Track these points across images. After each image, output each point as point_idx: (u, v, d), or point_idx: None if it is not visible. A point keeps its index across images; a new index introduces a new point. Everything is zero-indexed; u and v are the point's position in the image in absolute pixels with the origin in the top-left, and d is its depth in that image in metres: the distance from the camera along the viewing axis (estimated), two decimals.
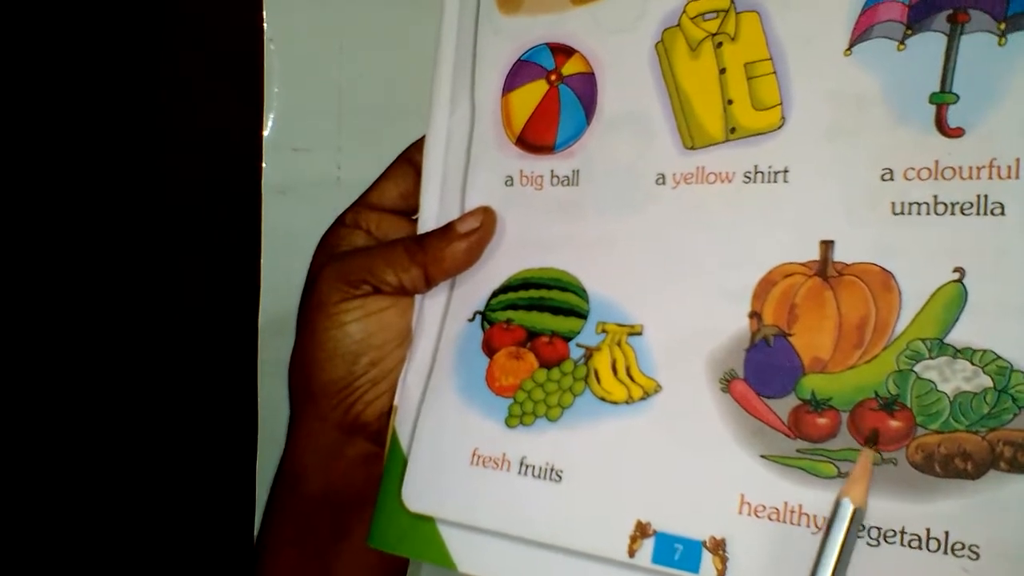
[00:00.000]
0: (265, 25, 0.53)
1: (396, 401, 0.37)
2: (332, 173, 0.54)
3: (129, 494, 0.60)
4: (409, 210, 0.40)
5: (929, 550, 0.26)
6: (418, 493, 0.35)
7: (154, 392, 0.59)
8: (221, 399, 0.59)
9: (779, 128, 0.31)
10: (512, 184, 0.37)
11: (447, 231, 0.36)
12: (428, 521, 0.34)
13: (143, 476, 0.60)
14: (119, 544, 0.60)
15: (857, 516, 0.26)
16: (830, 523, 0.27)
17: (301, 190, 0.55)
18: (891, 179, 0.29)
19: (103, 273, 0.58)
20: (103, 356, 0.59)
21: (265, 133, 0.54)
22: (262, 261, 0.55)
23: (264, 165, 0.55)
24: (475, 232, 0.36)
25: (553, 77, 0.37)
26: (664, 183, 0.33)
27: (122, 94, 0.56)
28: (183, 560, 0.61)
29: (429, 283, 0.37)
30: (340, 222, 0.39)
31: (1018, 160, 0.27)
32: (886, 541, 0.27)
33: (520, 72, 0.37)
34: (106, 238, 0.57)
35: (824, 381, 0.29)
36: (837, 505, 0.27)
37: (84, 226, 0.57)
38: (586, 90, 0.36)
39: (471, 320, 0.37)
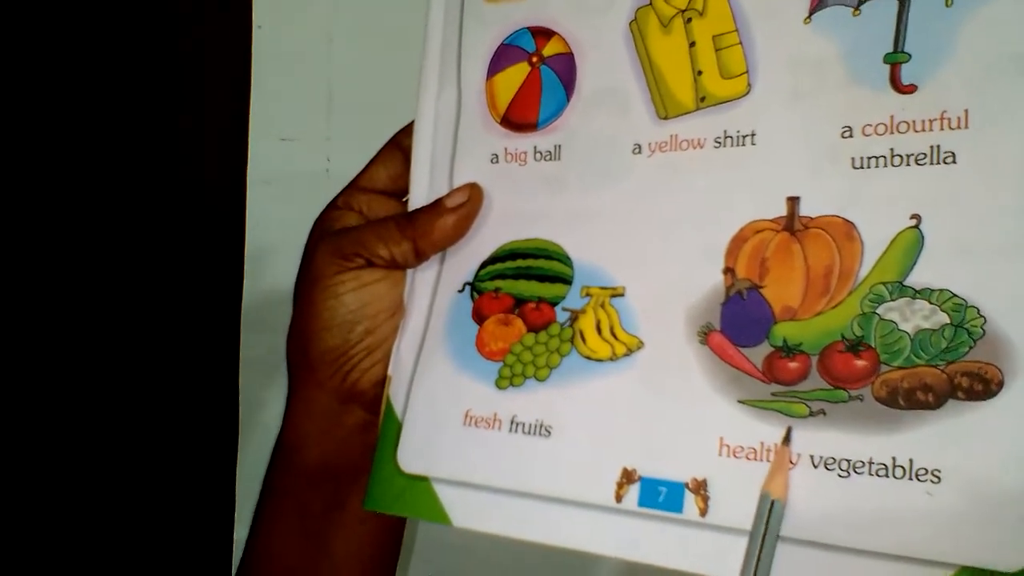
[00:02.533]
0: (254, 11, 0.54)
1: (390, 371, 0.39)
2: (321, 165, 0.55)
3: (109, 489, 0.60)
4: (398, 192, 0.42)
5: (895, 477, 0.28)
6: (413, 455, 0.37)
7: (135, 385, 0.59)
8: (202, 391, 0.59)
9: (746, 94, 0.33)
10: (497, 161, 0.39)
11: (436, 206, 0.38)
12: (423, 481, 0.36)
13: (124, 471, 0.60)
14: (98, 539, 0.60)
15: (776, 508, 0.29)
16: (756, 516, 0.29)
17: (288, 181, 0.55)
18: (850, 136, 0.31)
19: (82, 265, 0.57)
20: (84, 349, 0.59)
21: (252, 121, 0.55)
22: (246, 253, 0.55)
23: (250, 154, 0.55)
24: (462, 206, 0.38)
25: (535, 59, 0.39)
26: (640, 152, 0.35)
27: (107, 82, 0.56)
28: (163, 553, 0.61)
29: (419, 256, 0.38)
30: (333, 205, 0.41)
31: (967, 111, 0.29)
32: (855, 472, 0.28)
33: (503, 56, 0.39)
34: (85, 229, 0.57)
35: (794, 328, 0.31)
36: (760, 498, 0.29)
37: (61, 216, 0.57)
38: (566, 69, 0.38)
39: (461, 291, 0.38)
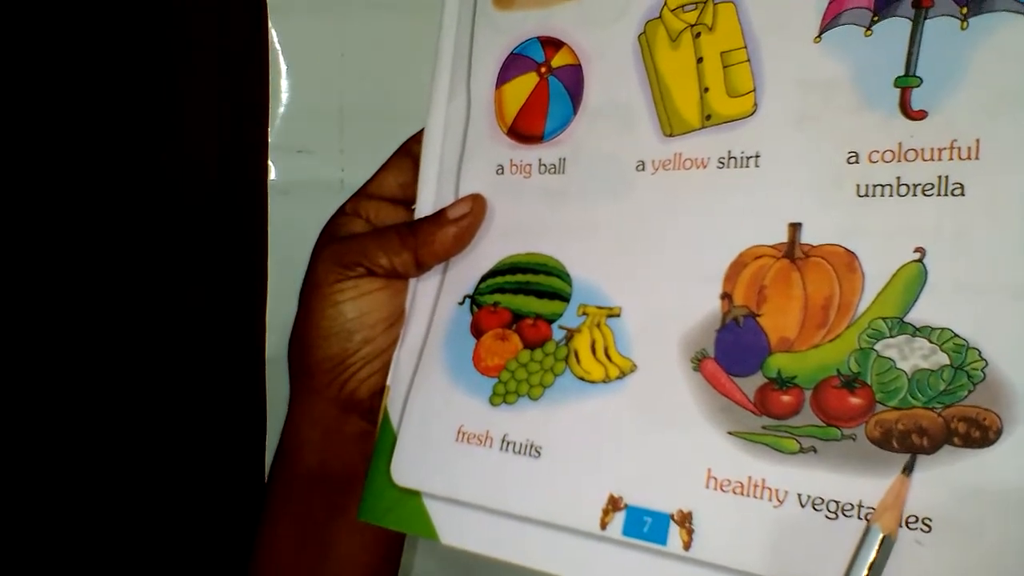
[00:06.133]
0: (270, 31, 0.55)
1: (388, 381, 0.39)
2: (335, 175, 0.57)
3: (136, 493, 0.61)
4: (407, 200, 0.41)
5: None
6: (406, 468, 0.36)
7: (161, 390, 0.61)
8: (228, 397, 0.60)
9: (752, 114, 0.32)
10: (503, 173, 0.38)
11: (438, 217, 0.38)
12: (414, 495, 0.36)
13: (149, 474, 0.61)
14: (127, 536, 0.62)
15: (886, 544, 0.26)
16: (858, 548, 0.26)
17: (305, 191, 0.57)
18: (856, 162, 0.30)
19: (111, 273, 0.59)
20: (111, 354, 0.60)
21: (270, 135, 0.57)
22: (268, 259, 0.57)
23: (269, 166, 0.57)
24: (465, 218, 0.37)
25: (543, 69, 0.38)
26: (644, 169, 0.34)
27: (131, 98, 0.58)
28: (192, 554, 0.62)
29: (420, 267, 0.38)
30: (341, 211, 0.41)
31: (978, 141, 0.27)
32: (844, 515, 0.27)
33: (513, 65, 0.39)
34: (114, 238, 0.59)
35: (789, 360, 0.30)
36: (867, 531, 0.26)
37: (92, 227, 0.59)
38: (573, 81, 0.37)
39: (461, 304, 0.38)
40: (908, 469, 0.27)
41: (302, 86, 0.56)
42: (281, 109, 0.56)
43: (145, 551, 0.62)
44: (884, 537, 0.26)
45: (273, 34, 0.56)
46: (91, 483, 0.61)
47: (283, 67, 0.56)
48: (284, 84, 0.56)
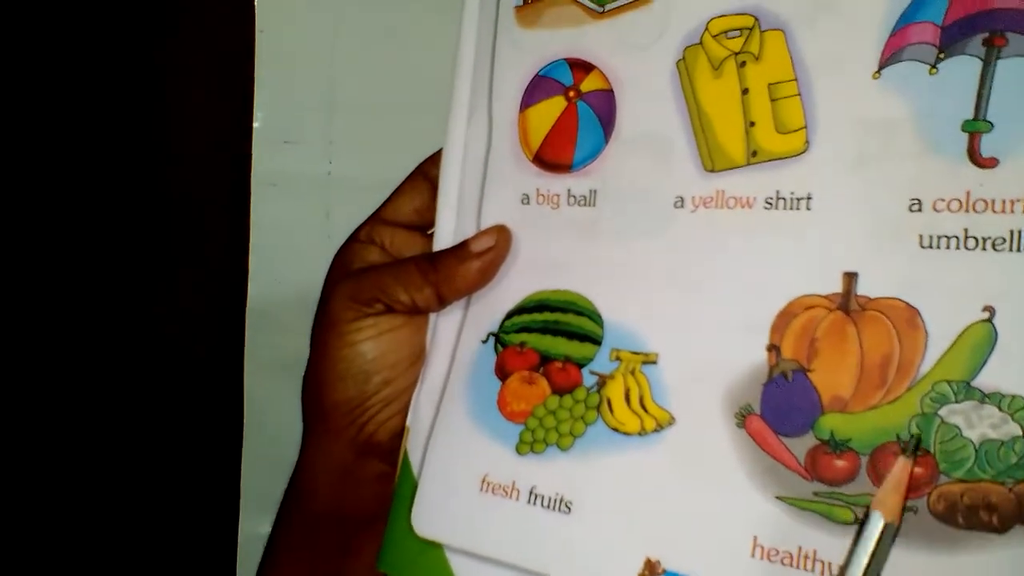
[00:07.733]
0: (257, 15, 0.53)
1: (408, 422, 0.37)
2: (323, 167, 0.54)
3: (113, 489, 0.60)
4: (424, 225, 0.39)
5: None
6: (427, 518, 0.35)
7: (140, 385, 0.59)
8: (207, 392, 0.59)
9: (803, 153, 0.30)
10: (528, 203, 0.36)
11: (460, 250, 0.36)
12: (436, 547, 0.34)
13: (128, 470, 0.60)
14: (101, 539, 0.60)
15: (887, 531, 0.25)
16: (857, 535, 0.25)
17: (291, 183, 0.55)
18: (919, 210, 0.27)
19: (89, 265, 0.57)
20: (89, 349, 0.59)
21: (256, 124, 0.54)
22: (251, 253, 0.54)
23: (254, 157, 0.55)
24: (489, 251, 0.35)
25: (571, 93, 0.36)
26: (683, 206, 0.32)
27: (112, 84, 0.56)
28: (168, 553, 0.61)
29: (442, 302, 0.36)
30: (354, 238, 0.39)
31: None
32: None
33: (538, 87, 0.36)
34: (93, 229, 0.57)
35: (844, 421, 0.28)
36: (867, 516, 0.25)
37: (69, 217, 0.57)
38: (604, 108, 0.35)
39: (485, 342, 0.36)
40: (913, 451, 0.26)
41: (290, 73, 0.54)
42: (268, 96, 0.54)
43: (122, 549, 0.60)
44: (886, 524, 0.25)
45: (260, 16, 0.53)
46: (62, 479, 0.60)
47: (270, 52, 0.54)
48: (271, 72, 0.54)
